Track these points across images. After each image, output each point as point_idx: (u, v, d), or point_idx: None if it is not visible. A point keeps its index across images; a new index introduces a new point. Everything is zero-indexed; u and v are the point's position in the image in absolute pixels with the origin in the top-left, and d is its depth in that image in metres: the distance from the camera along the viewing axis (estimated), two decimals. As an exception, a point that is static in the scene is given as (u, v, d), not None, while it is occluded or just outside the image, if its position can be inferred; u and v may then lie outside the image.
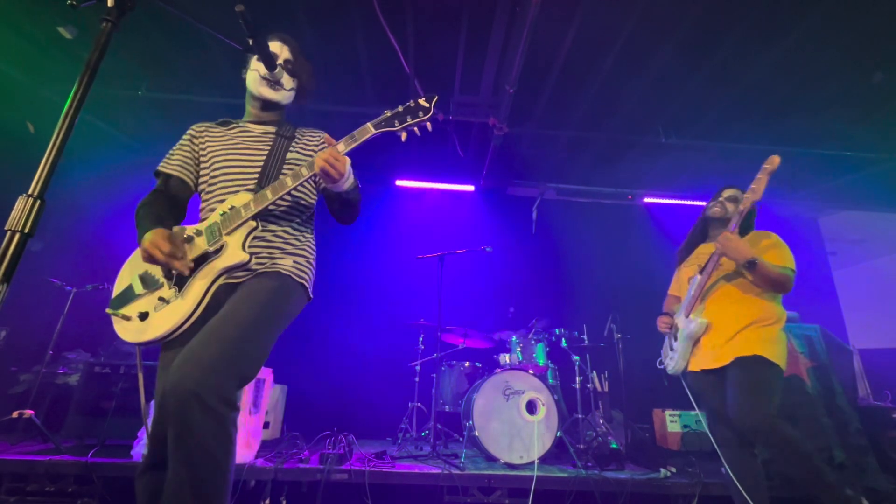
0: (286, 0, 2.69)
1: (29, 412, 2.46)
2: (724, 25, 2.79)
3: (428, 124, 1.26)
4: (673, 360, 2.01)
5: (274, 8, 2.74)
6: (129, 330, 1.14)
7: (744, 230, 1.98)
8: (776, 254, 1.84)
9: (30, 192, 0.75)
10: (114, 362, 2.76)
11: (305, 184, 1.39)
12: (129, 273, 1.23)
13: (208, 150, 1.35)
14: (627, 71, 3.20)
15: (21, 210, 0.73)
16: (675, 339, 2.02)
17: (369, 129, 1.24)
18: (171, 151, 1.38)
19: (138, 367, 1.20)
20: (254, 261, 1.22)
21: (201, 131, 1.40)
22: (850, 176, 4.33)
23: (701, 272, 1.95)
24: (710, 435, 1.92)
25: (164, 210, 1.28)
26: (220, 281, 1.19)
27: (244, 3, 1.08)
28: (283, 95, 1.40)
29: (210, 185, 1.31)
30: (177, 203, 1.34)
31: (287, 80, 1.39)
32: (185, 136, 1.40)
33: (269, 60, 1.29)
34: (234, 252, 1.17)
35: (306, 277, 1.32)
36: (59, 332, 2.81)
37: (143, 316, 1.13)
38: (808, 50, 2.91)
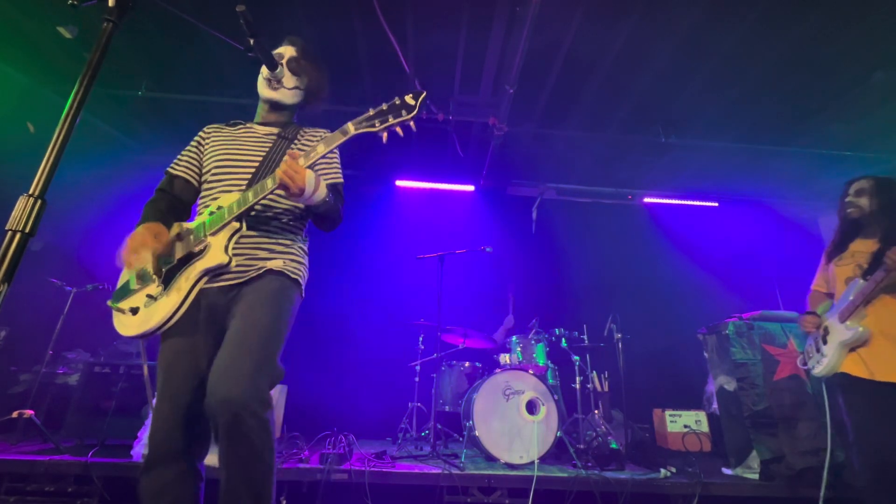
0: (287, 0, 2.70)
1: (29, 412, 2.46)
2: (724, 25, 2.79)
3: (412, 124, 1.17)
4: (821, 364, 1.88)
5: (274, 8, 2.74)
6: (123, 324, 1.17)
7: None
8: None
9: (30, 192, 0.75)
10: (114, 362, 2.75)
11: None
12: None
13: (211, 149, 1.36)
14: (627, 71, 3.20)
15: (22, 210, 0.73)
16: (824, 342, 1.89)
17: (349, 131, 1.19)
18: (182, 152, 1.41)
19: (143, 360, 1.23)
20: (237, 263, 1.21)
21: (210, 132, 1.42)
22: (849, 176, 4.32)
23: (864, 276, 1.80)
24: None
25: (165, 208, 1.31)
26: (203, 282, 1.17)
27: (244, 3, 1.08)
28: (284, 94, 1.39)
29: (208, 183, 1.32)
30: (181, 202, 1.37)
31: (289, 79, 1.38)
32: (195, 137, 1.42)
33: (269, 60, 1.30)
34: (215, 253, 1.16)
35: (300, 274, 1.32)
36: (59, 332, 2.81)
37: (134, 311, 1.15)
38: (807, 50, 2.91)
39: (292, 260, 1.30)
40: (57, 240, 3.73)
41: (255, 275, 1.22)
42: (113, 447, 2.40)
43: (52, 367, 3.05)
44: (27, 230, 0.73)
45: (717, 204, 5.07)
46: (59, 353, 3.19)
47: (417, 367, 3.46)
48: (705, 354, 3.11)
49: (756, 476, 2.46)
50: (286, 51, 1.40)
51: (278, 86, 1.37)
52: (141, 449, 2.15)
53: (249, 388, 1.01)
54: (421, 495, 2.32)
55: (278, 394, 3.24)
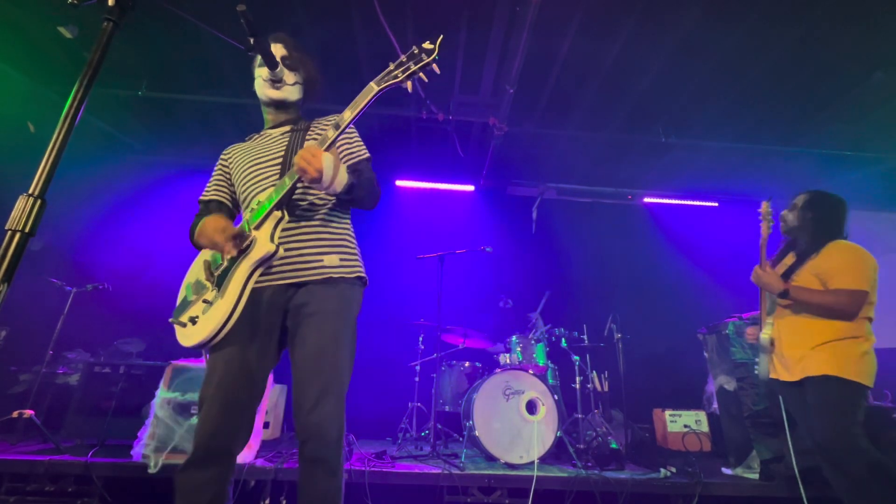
0: (287, 0, 2.70)
1: (29, 412, 2.45)
2: (723, 25, 2.79)
3: (434, 66, 1.17)
4: (757, 369, 2.09)
5: (274, 8, 2.74)
6: (185, 335, 1.18)
7: (824, 240, 1.98)
8: (840, 277, 1.84)
9: (30, 191, 0.74)
10: (114, 362, 2.75)
11: None
12: (186, 282, 1.29)
13: (235, 163, 1.40)
14: (627, 71, 3.20)
15: (21, 210, 0.73)
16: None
17: (373, 88, 1.19)
18: (209, 181, 1.46)
19: (204, 356, 1.27)
20: (288, 256, 1.24)
21: (230, 152, 1.46)
22: (849, 176, 4.33)
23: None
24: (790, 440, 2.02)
25: None
26: (256, 276, 1.19)
27: (245, 2, 1.08)
28: (288, 91, 1.41)
29: (242, 193, 1.36)
30: None
31: (288, 76, 1.40)
32: (218, 162, 1.47)
33: (270, 59, 1.30)
34: (262, 244, 1.17)
35: (359, 267, 1.35)
36: (59, 332, 2.80)
37: (194, 320, 1.17)
38: (807, 50, 2.91)
39: (347, 252, 1.33)
40: (56, 240, 3.73)
41: (314, 278, 1.23)
42: (113, 447, 2.40)
43: (52, 367, 3.05)
44: (27, 230, 0.73)
45: (716, 204, 5.07)
46: (59, 353, 3.19)
47: (417, 367, 3.46)
48: (705, 354, 3.11)
49: (756, 476, 2.46)
50: (276, 49, 1.40)
51: (281, 85, 1.38)
52: (141, 449, 2.15)
53: (333, 425, 1.16)
54: (421, 495, 2.32)
55: (278, 393, 3.24)
